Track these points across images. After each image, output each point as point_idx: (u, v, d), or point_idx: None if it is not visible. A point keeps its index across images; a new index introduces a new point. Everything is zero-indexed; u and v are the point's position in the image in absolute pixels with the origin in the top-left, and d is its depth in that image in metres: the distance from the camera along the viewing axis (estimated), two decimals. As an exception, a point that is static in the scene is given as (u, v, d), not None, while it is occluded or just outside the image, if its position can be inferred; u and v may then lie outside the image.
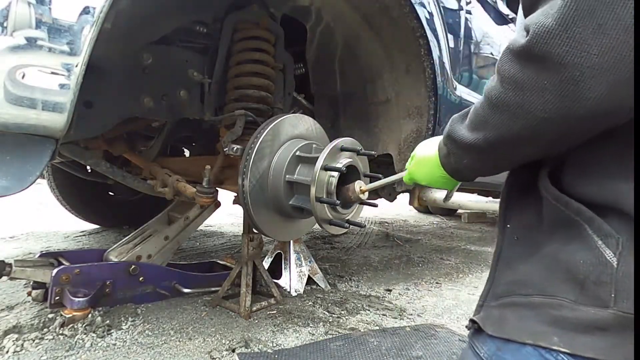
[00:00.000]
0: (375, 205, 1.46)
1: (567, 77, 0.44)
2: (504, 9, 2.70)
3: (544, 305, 0.54)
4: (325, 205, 1.29)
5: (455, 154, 0.67)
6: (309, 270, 2.07)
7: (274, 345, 1.43)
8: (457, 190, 1.03)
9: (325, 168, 1.26)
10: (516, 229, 0.65)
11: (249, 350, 1.38)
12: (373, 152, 1.40)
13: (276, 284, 1.93)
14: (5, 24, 0.90)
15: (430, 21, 1.74)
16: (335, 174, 1.28)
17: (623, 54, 0.42)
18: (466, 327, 0.67)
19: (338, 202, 1.27)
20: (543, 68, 0.46)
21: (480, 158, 0.63)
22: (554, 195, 0.57)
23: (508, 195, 0.69)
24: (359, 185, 1.25)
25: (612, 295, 0.48)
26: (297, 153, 1.43)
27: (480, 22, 2.33)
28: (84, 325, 1.43)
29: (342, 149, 1.33)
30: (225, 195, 1.95)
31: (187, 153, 2.94)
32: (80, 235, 3.16)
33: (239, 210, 2.15)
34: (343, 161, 1.32)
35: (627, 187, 0.49)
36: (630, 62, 0.42)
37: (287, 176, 1.40)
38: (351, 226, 1.37)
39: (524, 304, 0.56)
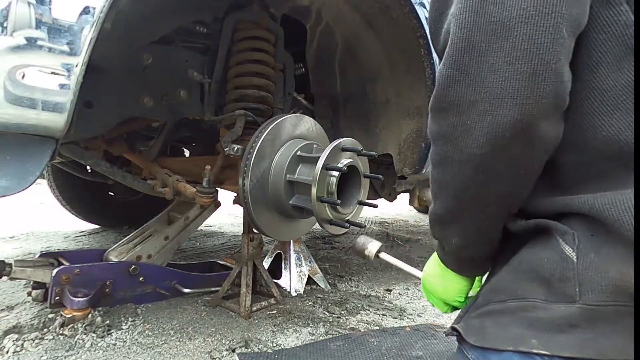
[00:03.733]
0: (375, 206, 1.46)
1: (482, 110, 0.50)
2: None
3: (518, 309, 0.55)
4: (325, 205, 1.29)
5: (443, 237, 0.67)
6: (309, 270, 2.07)
7: (274, 345, 1.43)
8: None
9: (327, 168, 1.26)
10: (498, 255, 0.68)
11: (249, 350, 1.38)
12: (374, 153, 1.40)
13: (276, 284, 1.93)
14: (5, 24, 0.90)
15: (431, 21, 1.74)
16: (336, 173, 1.28)
17: (521, 82, 0.48)
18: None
19: (339, 201, 1.27)
20: (458, 112, 0.52)
21: (462, 224, 0.63)
22: (511, 223, 0.61)
23: None
24: (378, 252, 1.02)
25: (577, 289, 0.50)
26: (298, 153, 1.43)
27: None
28: (84, 325, 1.43)
29: (343, 149, 1.33)
30: (225, 195, 1.94)
31: (187, 153, 2.94)
32: (80, 235, 3.16)
33: (239, 210, 2.14)
34: (344, 161, 1.32)
35: (565, 196, 0.54)
36: (523, 90, 0.48)
37: (288, 176, 1.40)
38: (351, 226, 1.37)
39: (500, 310, 0.58)
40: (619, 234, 0.48)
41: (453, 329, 0.65)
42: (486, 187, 0.56)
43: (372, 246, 0.98)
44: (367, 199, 1.42)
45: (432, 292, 0.78)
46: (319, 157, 1.27)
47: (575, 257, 0.51)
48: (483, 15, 0.49)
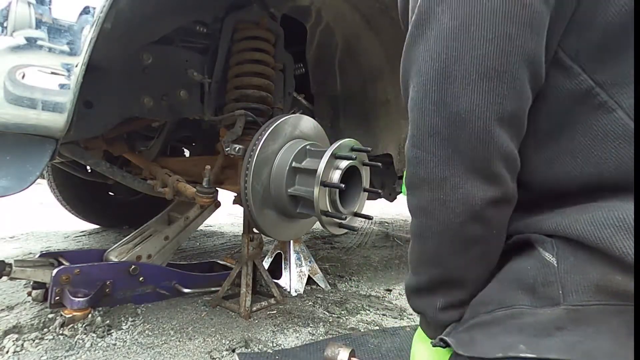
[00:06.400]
0: (370, 218, 1.50)
1: (453, 184, 0.56)
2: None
3: (506, 317, 0.56)
4: (326, 198, 1.30)
5: (428, 305, 0.67)
6: (309, 270, 2.07)
7: (274, 345, 1.43)
8: None
9: (336, 156, 1.29)
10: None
11: (249, 350, 1.38)
12: (369, 149, 1.41)
13: (276, 284, 1.93)
14: (5, 24, 0.91)
15: (431, 21, 1.74)
16: (345, 163, 1.30)
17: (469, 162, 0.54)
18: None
19: (342, 185, 1.27)
20: (431, 188, 0.57)
21: (448, 284, 0.64)
22: None
23: None
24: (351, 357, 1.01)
25: (560, 291, 0.52)
26: (308, 147, 1.44)
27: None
28: (84, 325, 1.43)
29: (352, 150, 1.36)
30: (225, 195, 1.94)
31: (187, 153, 2.94)
32: (80, 235, 3.16)
33: (239, 210, 2.14)
34: (344, 161, 1.33)
35: (543, 216, 0.58)
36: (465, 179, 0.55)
37: (294, 163, 1.41)
38: (351, 229, 1.39)
39: (489, 321, 0.58)
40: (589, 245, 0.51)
41: (441, 339, 0.63)
42: (466, 251, 0.60)
43: (343, 355, 0.99)
44: (367, 199, 1.43)
45: None
46: (325, 151, 1.29)
47: (555, 262, 0.54)
48: (443, 106, 0.54)
